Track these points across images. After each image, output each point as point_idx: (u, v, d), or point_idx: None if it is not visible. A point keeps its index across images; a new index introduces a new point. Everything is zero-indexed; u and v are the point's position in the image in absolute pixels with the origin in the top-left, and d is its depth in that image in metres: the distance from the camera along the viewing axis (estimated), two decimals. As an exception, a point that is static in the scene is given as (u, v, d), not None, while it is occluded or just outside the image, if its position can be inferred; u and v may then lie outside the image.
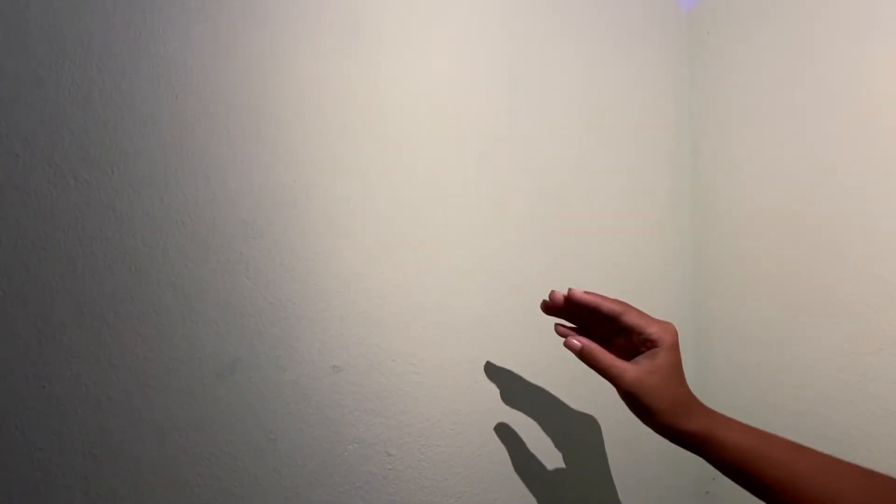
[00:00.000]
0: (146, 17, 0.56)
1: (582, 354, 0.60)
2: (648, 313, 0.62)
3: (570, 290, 0.64)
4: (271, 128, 0.62)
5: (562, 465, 0.78)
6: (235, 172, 0.60)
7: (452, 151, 0.72)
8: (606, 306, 0.61)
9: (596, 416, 0.81)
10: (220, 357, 0.59)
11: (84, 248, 0.54)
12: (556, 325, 0.66)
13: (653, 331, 0.59)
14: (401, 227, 0.68)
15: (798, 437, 0.58)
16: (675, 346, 0.59)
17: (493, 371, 0.74)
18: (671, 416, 0.57)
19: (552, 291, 0.65)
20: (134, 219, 0.56)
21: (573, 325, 0.67)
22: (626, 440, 0.83)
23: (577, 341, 0.61)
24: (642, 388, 0.57)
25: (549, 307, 0.65)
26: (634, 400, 0.57)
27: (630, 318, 0.60)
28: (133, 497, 0.56)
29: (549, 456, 0.78)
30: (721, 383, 0.89)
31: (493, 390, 0.74)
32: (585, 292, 0.63)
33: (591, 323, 0.64)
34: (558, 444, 0.78)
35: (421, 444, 0.69)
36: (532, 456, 0.76)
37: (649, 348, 0.59)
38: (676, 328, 0.61)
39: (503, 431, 0.74)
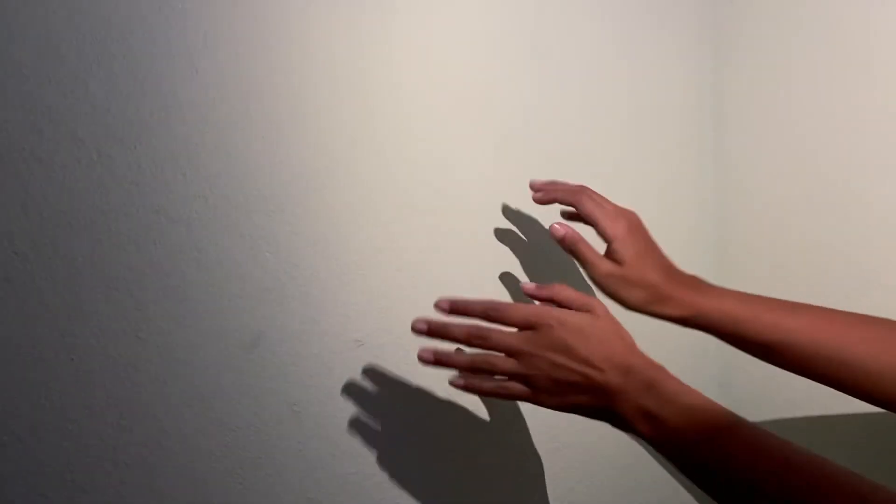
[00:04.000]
0: (165, -9, 0.56)
1: (563, 242, 0.60)
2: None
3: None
4: (290, 104, 0.62)
5: (581, 439, 0.79)
6: (256, 147, 0.60)
7: (471, 128, 0.71)
8: (562, 198, 0.60)
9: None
10: (244, 330, 0.60)
11: (109, 222, 0.55)
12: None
13: (604, 226, 0.59)
14: (421, 203, 0.68)
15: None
16: (628, 239, 0.58)
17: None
18: (648, 306, 0.57)
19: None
20: (157, 193, 0.56)
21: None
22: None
23: (559, 227, 0.60)
24: (609, 284, 0.57)
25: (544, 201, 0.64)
26: (607, 293, 0.58)
27: (585, 210, 0.59)
28: (161, 467, 0.57)
29: (571, 428, 0.78)
30: (745, 369, 0.88)
31: (512, 364, 0.74)
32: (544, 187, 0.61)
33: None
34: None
35: (444, 417, 0.70)
36: (554, 428, 0.77)
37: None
38: (635, 215, 0.60)
39: (525, 407, 0.75)
